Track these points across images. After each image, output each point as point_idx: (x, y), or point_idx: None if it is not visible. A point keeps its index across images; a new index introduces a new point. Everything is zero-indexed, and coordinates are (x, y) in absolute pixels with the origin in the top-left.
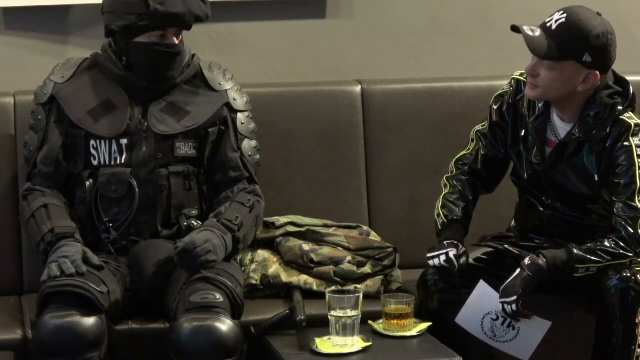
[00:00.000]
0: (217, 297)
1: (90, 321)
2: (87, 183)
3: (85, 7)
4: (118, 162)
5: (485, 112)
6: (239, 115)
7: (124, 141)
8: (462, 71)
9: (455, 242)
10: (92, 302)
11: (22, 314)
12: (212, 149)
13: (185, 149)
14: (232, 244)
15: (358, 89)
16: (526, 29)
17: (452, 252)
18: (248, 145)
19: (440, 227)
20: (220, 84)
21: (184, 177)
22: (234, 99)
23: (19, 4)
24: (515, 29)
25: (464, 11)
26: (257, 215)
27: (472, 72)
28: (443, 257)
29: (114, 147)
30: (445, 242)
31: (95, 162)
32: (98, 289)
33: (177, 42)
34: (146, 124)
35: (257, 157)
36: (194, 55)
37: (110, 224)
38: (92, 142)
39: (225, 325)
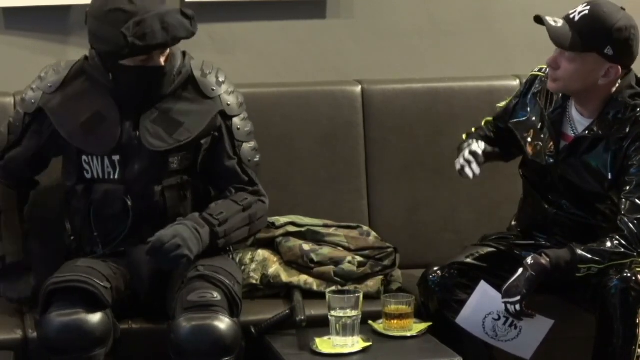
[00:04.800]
0: (215, 296)
1: (96, 318)
2: (82, 199)
3: (85, 7)
4: (111, 176)
5: (485, 112)
6: (235, 120)
7: (116, 157)
8: (462, 71)
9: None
10: (97, 297)
11: (22, 314)
12: (206, 156)
13: (178, 162)
14: (208, 238)
15: (358, 89)
16: (549, 19)
17: (474, 145)
18: (247, 149)
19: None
20: (213, 90)
21: (178, 189)
22: (228, 104)
23: (19, 4)
24: (539, 19)
25: (464, 11)
26: (252, 214)
27: (472, 72)
28: (466, 152)
29: (107, 162)
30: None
31: (88, 176)
32: (102, 284)
33: (163, 62)
34: (137, 140)
35: (257, 158)
36: (184, 54)
37: (100, 240)
38: (84, 157)
39: (223, 323)
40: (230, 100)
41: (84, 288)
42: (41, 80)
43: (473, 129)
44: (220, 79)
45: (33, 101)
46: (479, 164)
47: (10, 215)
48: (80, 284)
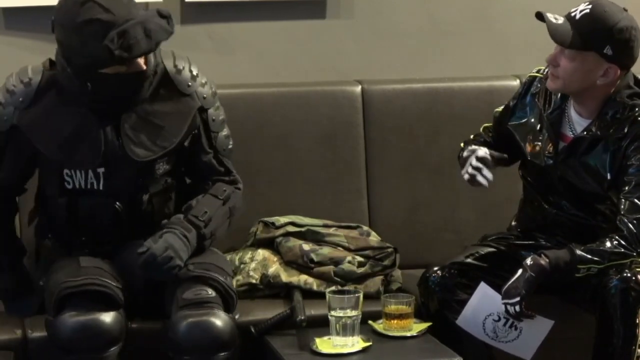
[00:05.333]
0: (210, 293)
1: (112, 317)
2: (65, 211)
3: None
4: (95, 187)
5: (485, 112)
6: (210, 111)
7: (101, 170)
8: (462, 71)
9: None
10: (111, 297)
11: None
12: (188, 154)
13: (163, 167)
14: (196, 241)
15: (358, 89)
16: (550, 16)
17: (480, 151)
18: (221, 137)
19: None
20: (189, 86)
21: (164, 192)
22: (204, 97)
23: (19, 4)
24: (540, 16)
25: (464, 11)
26: (232, 207)
27: (472, 72)
28: (473, 160)
29: (90, 174)
30: (466, 152)
31: (69, 187)
32: (115, 284)
33: (144, 66)
34: (121, 152)
35: (230, 145)
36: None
37: (86, 245)
38: (66, 170)
39: (220, 319)
40: (205, 92)
41: (100, 290)
42: (10, 95)
43: (471, 136)
44: (194, 72)
45: (5, 118)
46: (489, 167)
47: (8, 247)
48: (96, 286)
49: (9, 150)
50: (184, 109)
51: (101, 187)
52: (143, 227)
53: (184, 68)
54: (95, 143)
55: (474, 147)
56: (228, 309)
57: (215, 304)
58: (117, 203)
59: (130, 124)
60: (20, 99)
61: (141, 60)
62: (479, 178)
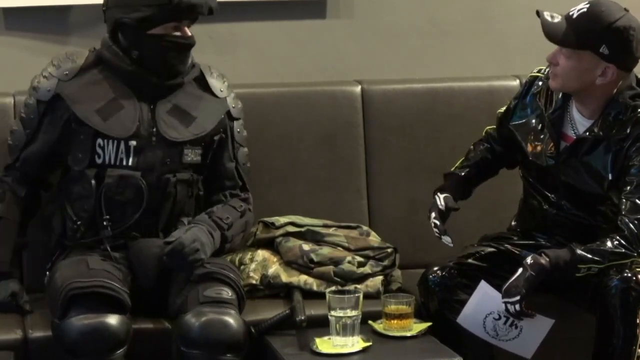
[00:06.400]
0: (230, 294)
1: (119, 320)
2: (92, 182)
3: (85, 7)
4: (124, 163)
5: (484, 113)
6: (235, 123)
7: (133, 143)
8: (462, 71)
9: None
10: (119, 301)
11: (22, 314)
12: (212, 156)
13: (192, 155)
14: (219, 241)
15: (358, 89)
16: (546, 14)
17: (432, 214)
18: (242, 153)
19: None
20: (221, 91)
21: (188, 185)
22: (233, 107)
23: (19, 4)
24: (538, 14)
25: (464, 11)
26: (247, 221)
27: (472, 72)
28: (432, 226)
29: (122, 147)
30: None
31: (99, 161)
32: (123, 289)
33: (190, 34)
34: (154, 128)
35: (248, 164)
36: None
37: (110, 224)
38: (99, 140)
39: (236, 321)
40: (235, 104)
41: (108, 294)
42: (56, 68)
43: (467, 154)
44: (226, 84)
45: (48, 89)
46: (444, 233)
47: (8, 226)
48: (103, 289)
49: (46, 124)
50: (215, 107)
51: (130, 163)
52: (163, 212)
53: (218, 76)
54: (131, 114)
55: (436, 198)
56: (240, 311)
57: (233, 305)
58: (143, 180)
59: (164, 110)
60: (66, 72)
61: (188, 31)
62: (443, 240)
